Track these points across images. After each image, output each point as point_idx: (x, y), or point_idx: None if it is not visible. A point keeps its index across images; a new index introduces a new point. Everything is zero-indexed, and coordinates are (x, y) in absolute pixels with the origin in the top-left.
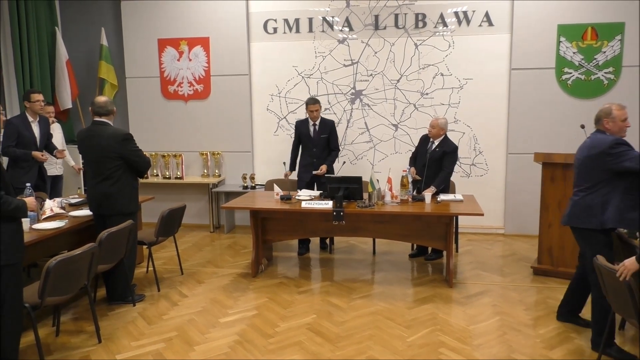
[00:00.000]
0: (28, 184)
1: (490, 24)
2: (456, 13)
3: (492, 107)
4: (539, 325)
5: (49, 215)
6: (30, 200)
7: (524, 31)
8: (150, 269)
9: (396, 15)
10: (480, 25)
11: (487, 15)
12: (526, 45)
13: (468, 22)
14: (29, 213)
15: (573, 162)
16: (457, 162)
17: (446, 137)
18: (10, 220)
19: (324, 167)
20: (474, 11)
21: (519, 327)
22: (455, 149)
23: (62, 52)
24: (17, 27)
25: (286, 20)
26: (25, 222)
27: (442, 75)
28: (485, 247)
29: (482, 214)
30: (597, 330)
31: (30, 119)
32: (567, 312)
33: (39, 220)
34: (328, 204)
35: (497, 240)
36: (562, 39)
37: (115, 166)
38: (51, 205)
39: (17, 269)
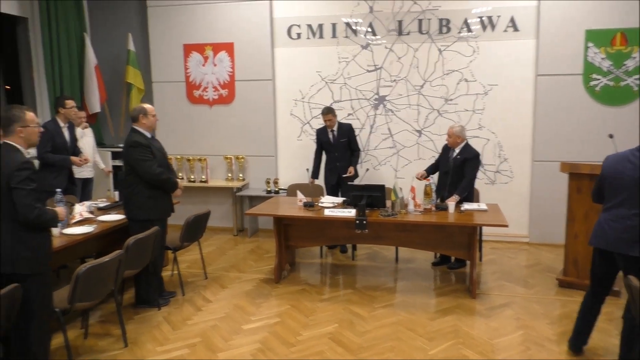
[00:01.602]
0: (59, 190)
1: (516, 29)
2: (481, 18)
3: (517, 114)
4: (563, 342)
5: (78, 220)
6: (60, 211)
7: (550, 36)
8: (175, 272)
9: (420, 21)
10: (505, 31)
11: (512, 20)
12: (553, 51)
13: (493, 27)
14: None
15: (601, 172)
16: (481, 169)
17: (467, 144)
18: (41, 230)
19: (351, 169)
20: (498, 16)
21: (543, 342)
22: (476, 155)
23: (91, 57)
24: (48, 32)
25: (310, 26)
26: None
27: (466, 81)
28: (510, 256)
29: (507, 225)
30: (626, 350)
31: (61, 124)
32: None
33: (68, 225)
34: (351, 212)
35: (521, 249)
36: (589, 44)
37: (127, 172)
38: (80, 210)
39: (46, 277)
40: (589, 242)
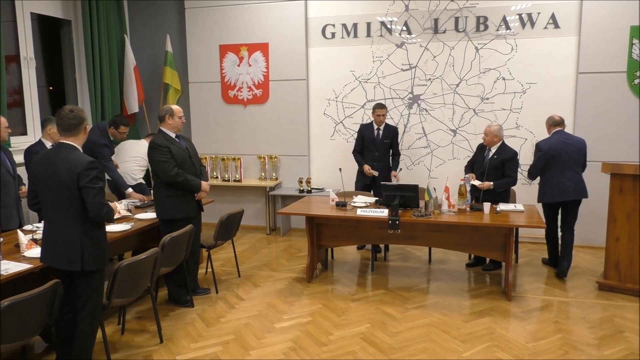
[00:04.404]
0: None
1: (557, 26)
2: (520, 15)
3: (556, 113)
4: (604, 346)
5: (116, 218)
6: (114, 206)
7: (593, 33)
8: (209, 270)
9: (456, 19)
10: (545, 28)
11: (552, 17)
12: (595, 48)
13: (532, 24)
14: None
15: None
16: (518, 169)
17: (504, 144)
18: (101, 227)
19: (397, 176)
20: (539, 13)
21: (582, 347)
22: (514, 154)
23: (130, 58)
24: (90, 35)
25: (344, 25)
26: None
27: (503, 79)
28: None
29: (544, 227)
30: None
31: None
32: None
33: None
34: (383, 212)
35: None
36: (634, 40)
37: (153, 172)
38: (118, 208)
39: (102, 274)
40: None
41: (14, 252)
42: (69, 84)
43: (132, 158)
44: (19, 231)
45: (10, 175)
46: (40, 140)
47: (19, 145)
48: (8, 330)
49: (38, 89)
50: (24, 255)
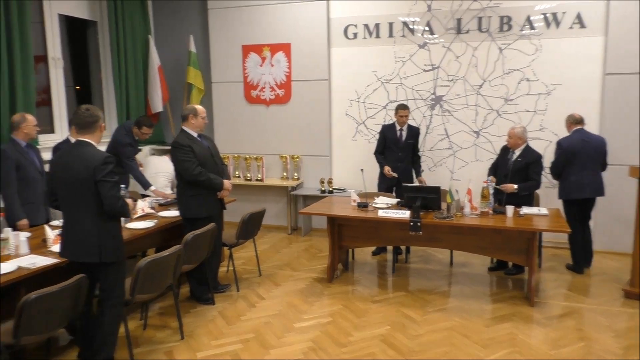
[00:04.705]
0: (123, 185)
1: (582, 26)
2: (545, 15)
3: (582, 115)
4: (629, 356)
5: (140, 215)
6: (130, 203)
7: (620, 33)
8: (231, 268)
9: (480, 19)
10: (571, 28)
11: (578, 16)
12: (623, 48)
13: (557, 24)
14: None
15: None
16: (542, 172)
17: (528, 147)
18: (116, 220)
19: (423, 180)
20: (564, 12)
21: (607, 356)
22: (538, 157)
23: (155, 59)
24: (115, 35)
25: (366, 26)
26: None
27: (527, 80)
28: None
29: (569, 232)
30: None
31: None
32: None
33: (131, 220)
34: (405, 214)
35: None
36: None
37: (175, 171)
38: (142, 206)
39: (121, 268)
40: None
41: (41, 246)
42: (94, 83)
43: (160, 173)
44: (46, 226)
45: (38, 172)
46: (67, 138)
47: (46, 142)
48: (35, 323)
49: (65, 88)
50: (50, 250)
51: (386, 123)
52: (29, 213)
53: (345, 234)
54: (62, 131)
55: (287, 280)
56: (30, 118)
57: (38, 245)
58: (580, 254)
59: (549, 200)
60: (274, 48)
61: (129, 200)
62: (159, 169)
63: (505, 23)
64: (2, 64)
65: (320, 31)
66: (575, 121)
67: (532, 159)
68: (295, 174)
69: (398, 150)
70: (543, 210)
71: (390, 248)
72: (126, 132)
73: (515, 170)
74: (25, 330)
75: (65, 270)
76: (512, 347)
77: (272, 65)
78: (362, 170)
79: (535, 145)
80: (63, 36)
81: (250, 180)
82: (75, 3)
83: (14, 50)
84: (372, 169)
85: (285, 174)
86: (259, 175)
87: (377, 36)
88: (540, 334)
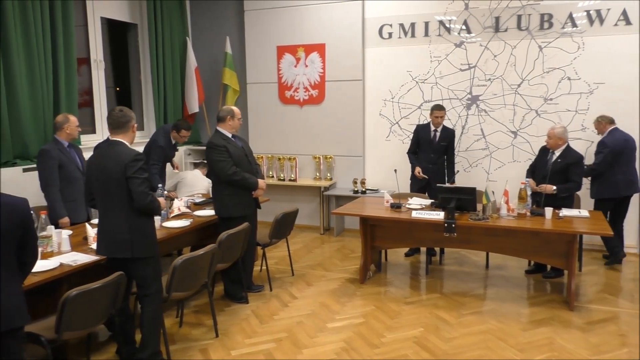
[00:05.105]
0: (160, 185)
1: (628, 23)
2: (588, 12)
3: (626, 115)
4: None
5: (176, 214)
6: (161, 201)
7: None
8: (264, 268)
9: (519, 17)
10: (615, 25)
11: (624, 13)
12: None
13: (601, 21)
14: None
15: None
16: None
17: (568, 147)
18: (149, 217)
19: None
20: (608, 9)
21: None
22: (580, 159)
23: (192, 60)
24: (154, 38)
25: (401, 25)
26: (157, 220)
27: (569, 79)
28: (614, 268)
29: (611, 234)
30: None
31: (172, 141)
32: None
33: (167, 219)
34: (439, 215)
35: (628, 260)
36: None
37: (211, 171)
38: (178, 205)
39: (156, 262)
40: None
41: (82, 244)
42: (134, 84)
43: (195, 190)
44: (87, 224)
45: (80, 171)
46: (107, 138)
47: (88, 143)
48: (75, 318)
49: (106, 89)
50: (91, 247)
51: (420, 123)
52: (71, 211)
53: (378, 234)
54: (103, 132)
55: (320, 280)
56: (73, 119)
57: (79, 243)
58: (615, 242)
59: (590, 203)
60: (309, 49)
61: (161, 199)
62: (193, 188)
63: (546, 21)
64: (46, 66)
65: (354, 31)
66: (610, 121)
67: (572, 159)
68: (328, 174)
69: (431, 151)
70: (584, 212)
71: (423, 249)
72: (164, 134)
73: (554, 172)
74: (67, 325)
75: (105, 268)
76: (551, 351)
77: (307, 66)
78: (395, 170)
79: (575, 145)
80: (105, 39)
81: (283, 180)
82: (117, 6)
83: (58, 52)
84: (406, 170)
85: (318, 174)
86: (292, 176)
87: (413, 35)
88: (580, 339)
